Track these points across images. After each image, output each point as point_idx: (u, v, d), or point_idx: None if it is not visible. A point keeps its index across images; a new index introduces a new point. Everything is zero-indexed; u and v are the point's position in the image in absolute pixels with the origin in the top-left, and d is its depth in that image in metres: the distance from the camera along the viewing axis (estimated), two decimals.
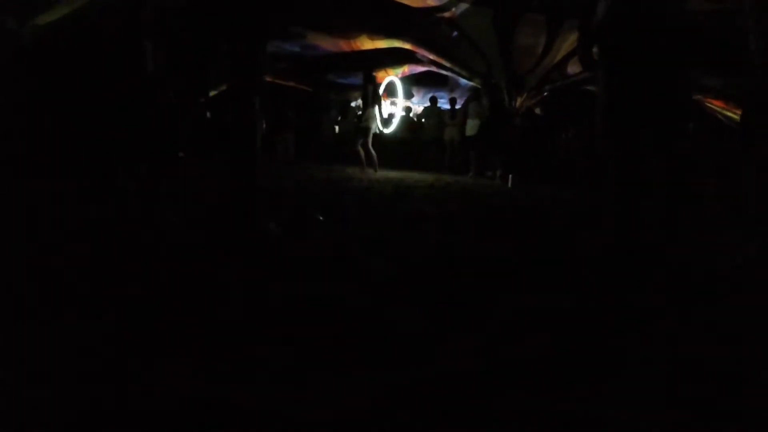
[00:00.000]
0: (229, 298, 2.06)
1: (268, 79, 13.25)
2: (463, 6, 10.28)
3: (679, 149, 2.93)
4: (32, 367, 1.42)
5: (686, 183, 2.97)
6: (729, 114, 8.42)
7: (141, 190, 3.20)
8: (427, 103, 14.13)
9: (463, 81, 13.94)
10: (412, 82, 15.54)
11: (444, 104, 14.57)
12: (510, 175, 9.21)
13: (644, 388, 1.46)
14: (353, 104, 14.71)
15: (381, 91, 11.45)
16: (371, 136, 9.60)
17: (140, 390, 1.29)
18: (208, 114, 9.77)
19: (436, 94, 14.67)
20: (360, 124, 9.97)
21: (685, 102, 3.19)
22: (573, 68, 11.19)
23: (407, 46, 11.93)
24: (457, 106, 13.10)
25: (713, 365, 1.64)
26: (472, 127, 12.18)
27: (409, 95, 16.54)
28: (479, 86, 12.27)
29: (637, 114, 2.83)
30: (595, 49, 3.06)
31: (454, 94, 14.36)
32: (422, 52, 12.31)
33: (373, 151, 9.56)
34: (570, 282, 2.60)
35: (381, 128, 10.33)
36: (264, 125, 13.23)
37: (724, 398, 1.43)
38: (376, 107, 9.74)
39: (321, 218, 3.96)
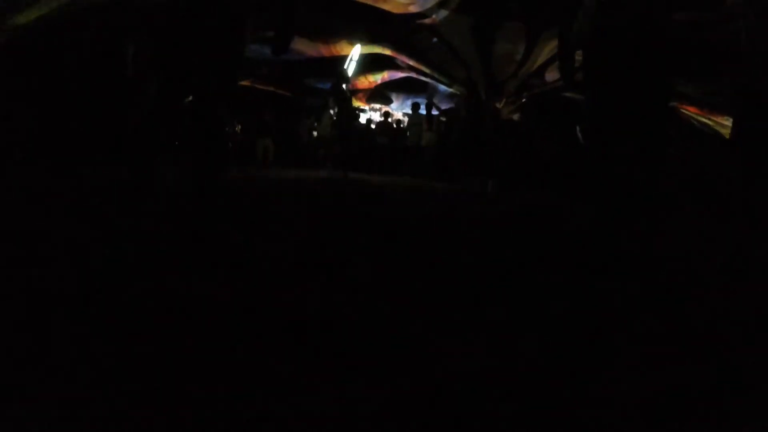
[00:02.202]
0: (212, 303, 2.01)
1: (246, 83, 13.23)
2: (444, 13, 10.35)
3: (661, 155, 2.98)
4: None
5: (667, 188, 3.02)
6: (703, 120, 8.61)
7: (121, 191, 3.15)
8: (407, 110, 14.18)
9: (442, 87, 14.02)
10: (392, 88, 15.60)
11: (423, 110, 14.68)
12: (489, 181, 9.27)
13: (640, 390, 1.46)
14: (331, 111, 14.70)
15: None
16: (348, 139, 9.27)
17: (131, 402, 1.25)
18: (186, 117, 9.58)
19: (414, 101, 14.74)
20: (336, 127, 9.59)
21: (666, 109, 3.24)
22: (551, 75, 11.34)
23: (387, 51, 11.97)
24: (434, 112, 13.17)
25: (704, 366, 1.66)
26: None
27: (387, 101, 16.59)
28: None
29: (621, 121, 2.86)
30: (578, 57, 3.10)
31: (432, 100, 14.43)
32: (402, 58, 12.36)
33: (346, 156, 9.16)
34: (555, 285, 2.61)
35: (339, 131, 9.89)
36: (239, 129, 13.13)
37: (717, 399, 1.45)
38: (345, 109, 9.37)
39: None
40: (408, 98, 15.18)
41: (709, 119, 8.34)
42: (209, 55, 2.93)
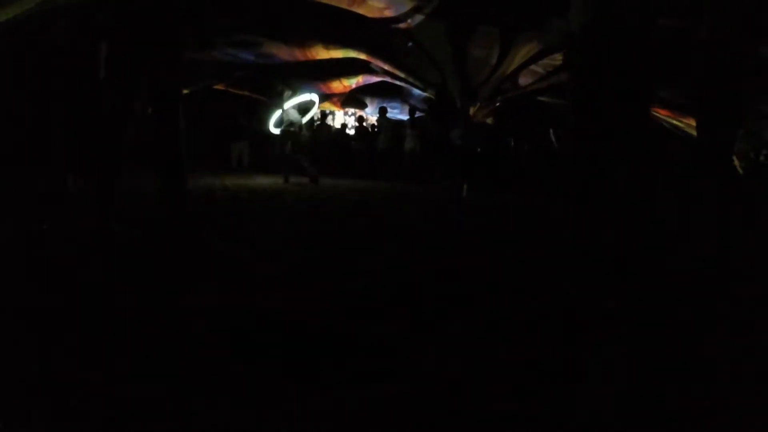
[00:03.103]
0: (193, 314, 1.98)
1: (220, 87, 13.08)
2: (419, 18, 10.39)
3: (643, 156, 3.01)
4: None
5: (651, 188, 3.04)
6: (675, 122, 8.77)
7: (91, 194, 3.10)
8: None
9: (416, 91, 14.07)
10: (367, 93, 15.59)
11: (396, 114, 14.77)
12: (465, 185, 9.30)
13: (628, 389, 1.47)
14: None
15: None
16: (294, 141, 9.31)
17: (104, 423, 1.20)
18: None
19: (389, 105, 14.75)
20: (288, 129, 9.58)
21: (648, 111, 3.28)
22: (525, 79, 11.46)
23: (362, 56, 11.96)
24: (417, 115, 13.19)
25: (688, 363, 1.68)
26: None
27: (362, 105, 16.58)
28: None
29: (604, 122, 2.89)
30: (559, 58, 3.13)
31: (412, 104, 14.47)
32: (377, 63, 12.37)
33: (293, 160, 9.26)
34: (538, 287, 2.62)
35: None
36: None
37: (703, 397, 1.46)
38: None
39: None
40: (383, 102, 15.20)
41: (681, 121, 8.51)
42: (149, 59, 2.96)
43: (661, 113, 8.85)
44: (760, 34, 3.14)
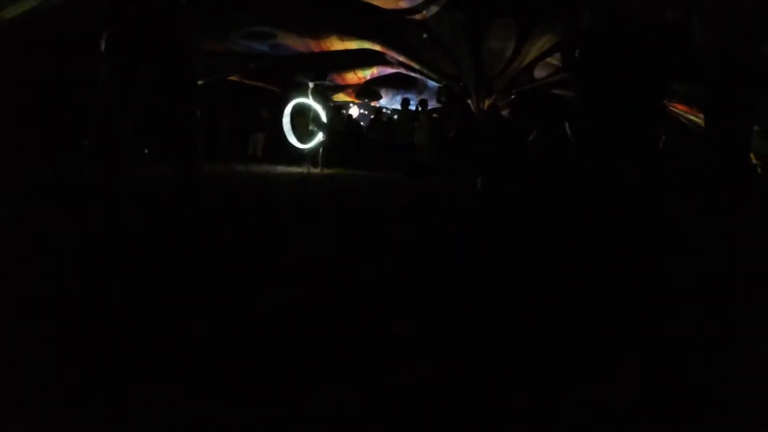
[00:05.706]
0: (206, 304, 2.00)
1: (234, 78, 13.09)
2: (434, 9, 10.32)
3: (652, 153, 2.98)
4: None
5: (658, 185, 3.02)
6: (692, 117, 8.66)
7: (104, 184, 3.13)
8: (396, 105, 14.07)
9: (431, 83, 14.00)
10: (381, 84, 15.55)
11: (411, 106, 14.68)
12: (479, 178, 9.24)
13: (635, 388, 1.47)
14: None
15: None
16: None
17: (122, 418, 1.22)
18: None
19: (408, 97, 14.68)
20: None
21: (658, 108, 3.24)
22: (540, 72, 11.35)
23: (377, 47, 11.92)
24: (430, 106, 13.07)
25: (697, 364, 1.67)
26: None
27: (377, 96, 16.54)
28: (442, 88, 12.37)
29: (612, 118, 2.87)
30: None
31: (423, 96, 14.38)
32: (392, 54, 12.31)
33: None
34: (550, 283, 2.61)
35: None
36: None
37: (708, 396, 1.46)
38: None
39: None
40: (397, 94, 15.13)
41: (697, 117, 8.40)
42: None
43: (678, 108, 8.73)
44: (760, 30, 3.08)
